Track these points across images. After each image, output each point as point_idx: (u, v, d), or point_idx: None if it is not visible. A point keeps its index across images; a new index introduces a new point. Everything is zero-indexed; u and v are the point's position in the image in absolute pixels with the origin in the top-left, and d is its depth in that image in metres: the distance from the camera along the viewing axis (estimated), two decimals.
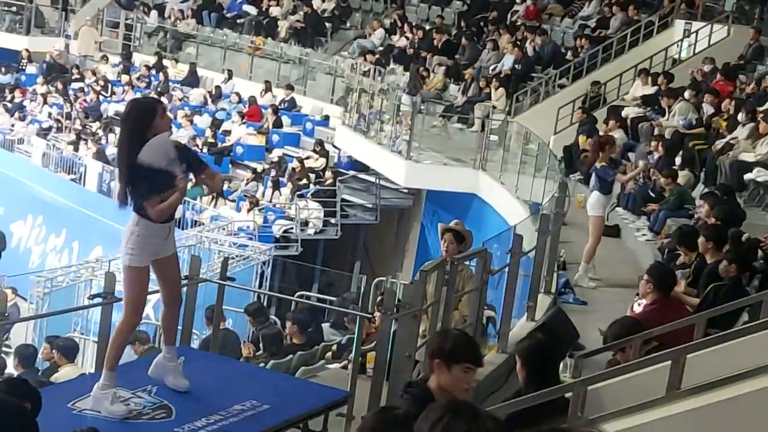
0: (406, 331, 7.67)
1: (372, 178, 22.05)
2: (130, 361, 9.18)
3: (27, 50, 31.98)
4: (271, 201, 22.08)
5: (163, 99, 27.28)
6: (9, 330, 14.89)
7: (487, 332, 10.58)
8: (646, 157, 17.44)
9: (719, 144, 16.49)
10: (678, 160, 16.55)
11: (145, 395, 7.07)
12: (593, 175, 12.87)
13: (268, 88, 27.12)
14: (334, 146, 23.59)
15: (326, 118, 25.56)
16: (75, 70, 30.89)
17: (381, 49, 27.23)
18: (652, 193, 15.93)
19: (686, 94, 18.85)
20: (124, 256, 6.93)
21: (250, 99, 26.46)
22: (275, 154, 24.39)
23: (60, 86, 29.70)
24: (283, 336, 12.75)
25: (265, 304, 16.15)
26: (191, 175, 7.12)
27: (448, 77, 24.62)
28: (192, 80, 28.95)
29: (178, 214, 22.21)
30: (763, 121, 15.97)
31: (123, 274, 7.00)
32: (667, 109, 18.81)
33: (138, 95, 28.32)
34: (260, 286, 18.65)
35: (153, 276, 7.22)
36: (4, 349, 12.65)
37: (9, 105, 29.28)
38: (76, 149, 26.01)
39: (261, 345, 12.55)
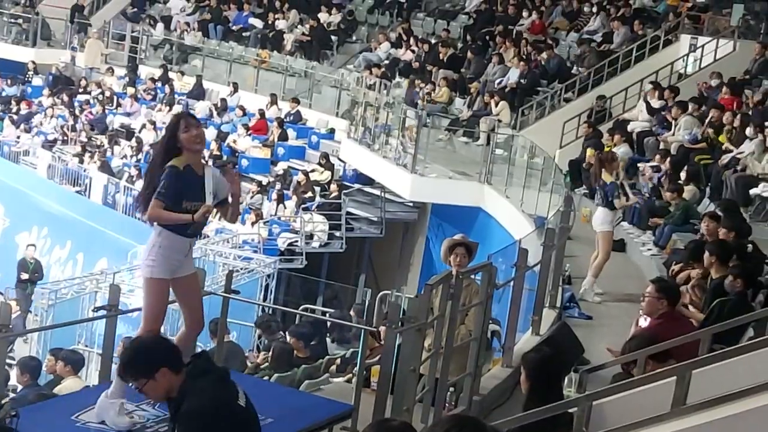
0: (411, 345, 7.66)
1: (377, 192, 22.01)
2: None
3: (33, 62, 32.10)
4: (275, 214, 22.08)
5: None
6: (13, 342, 14.94)
7: (492, 346, 10.57)
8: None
9: (725, 159, 16.49)
10: (683, 174, 16.54)
11: (149, 408, 7.03)
12: (600, 190, 12.92)
13: (273, 101, 27.13)
14: (340, 159, 23.58)
15: (332, 131, 25.58)
16: (81, 82, 30.96)
17: (386, 62, 27.27)
18: (657, 208, 15.92)
19: (691, 109, 18.84)
20: (145, 268, 6.91)
21: (258, 112, 26.47)
22: (280, 167, 24.39)
23: (66, 98, 29.75)
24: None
25: None
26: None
27: (454, 91, 24.63)
28: (198, 93, 28.97)
29: None
30: None
31: (144, 285, 6.98)
32: (673, 123, 18.80)
33: (143, 107, 28.47)
34: (265, 299, 18.64)
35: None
36: (7, 361, 12.63)
37: (15, 117, 29.34)
38: (82, 161, 26.06)
39: (270, 355, 12.52)
